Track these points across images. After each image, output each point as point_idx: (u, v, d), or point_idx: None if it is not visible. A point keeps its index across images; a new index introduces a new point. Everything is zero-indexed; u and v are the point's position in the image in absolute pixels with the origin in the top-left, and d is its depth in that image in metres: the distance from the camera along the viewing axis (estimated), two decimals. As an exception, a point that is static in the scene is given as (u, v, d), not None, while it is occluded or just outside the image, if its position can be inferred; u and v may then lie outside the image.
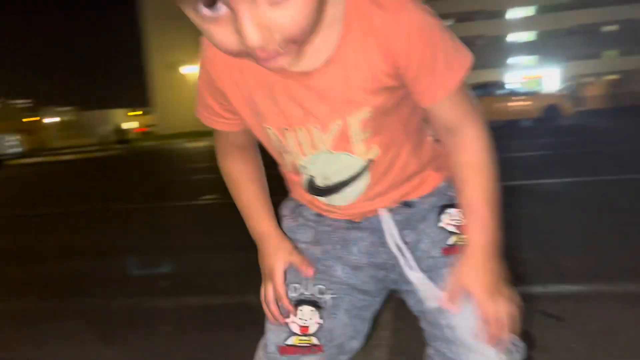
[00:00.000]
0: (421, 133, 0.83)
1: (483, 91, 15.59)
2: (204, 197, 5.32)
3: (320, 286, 0.83)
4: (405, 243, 0.83)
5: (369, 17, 0.67)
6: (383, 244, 0.84)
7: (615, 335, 1.62)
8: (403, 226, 0.84)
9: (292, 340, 0.82)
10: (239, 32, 0.57)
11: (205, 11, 0.57)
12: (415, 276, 0.81)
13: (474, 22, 61.42)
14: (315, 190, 0.84)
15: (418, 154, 0.83)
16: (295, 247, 0.87)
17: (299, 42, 0.61)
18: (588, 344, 1.57)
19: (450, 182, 0.84)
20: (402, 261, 0.82)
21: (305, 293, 0.83)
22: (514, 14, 62.04)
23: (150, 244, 3.44)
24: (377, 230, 0.84)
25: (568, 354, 1.53)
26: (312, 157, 0.79)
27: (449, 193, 0.86)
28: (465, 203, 0.79)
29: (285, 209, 0.93)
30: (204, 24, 0.59)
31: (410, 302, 0.86)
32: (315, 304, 0.82)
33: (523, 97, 15.33)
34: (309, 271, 0.84)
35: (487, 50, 61.18)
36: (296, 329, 0.82)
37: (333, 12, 0.67)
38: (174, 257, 2.96)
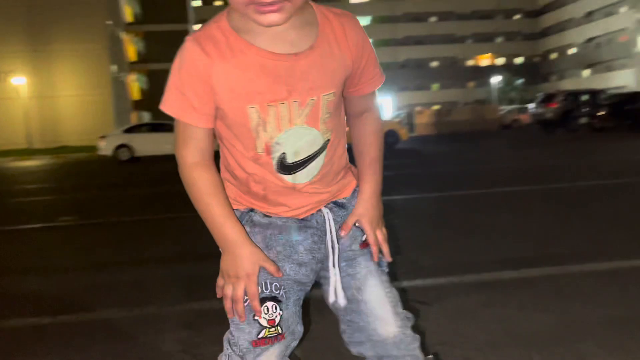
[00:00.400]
0: (344, 135, 1.07)
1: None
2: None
3: (276, 284, 0.96)
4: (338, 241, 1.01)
5: (334, 22, 0.94)
6: (323, 241, 1.00)
7: (470, 313, 2.09)
8: (337, 225, 1.02)
9: (263, 333, 0.95)
10: None
11: None
12: (333, 272, 1.01)
13: (320, 50, 65.38)
14: (285, 167, 0.96)
15: (345, 151, 1.05)
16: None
17: (291, 2, 0.83)
18: (449, 321, 2.02)
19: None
20: (330, 258, 1.00)
21: (266, 291, 0.95)
22: (356, 45, 67.46)
23: None
24: (319, 229, 1.00)
25: (437, 329, 1.95)
26: (287, 132, 0.93)
27: (353, 205, 1.07)
28: (369, 160, 1.04)
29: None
30: None
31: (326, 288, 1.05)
32: (275, 299, 0.96)
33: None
34: (280, 274, 0.95)
35: (332, 77, 65.54)
36: (265, 323, 0.95)
37: (307, 15, 0.91)
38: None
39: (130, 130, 18.47)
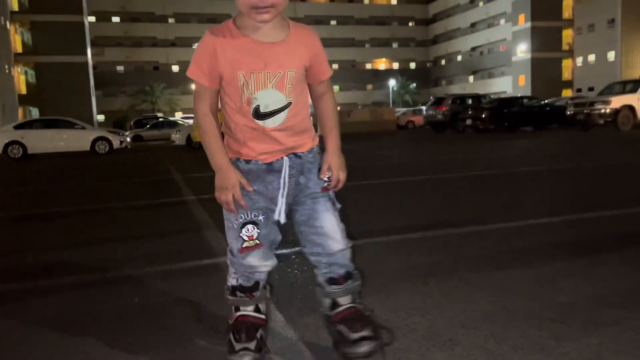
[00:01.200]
0: (307, 109, 1.55)
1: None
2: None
3: (255, 212, 1.43)
4: (297, 184, 1.46)
5: (300, 30, 1.43)
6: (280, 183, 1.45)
7: (382, 270, 2.63)
8: (298, 172, 1.46)
9: (245, 245, 1.42)
10: None
11: None
12: (280, 201, 1.44)
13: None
14: (259, 115, 1.40)
15: (306, 118, 1.49)
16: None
17: (276, 8, 1.30)
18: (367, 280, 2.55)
19: (317, 151, 1.52)
20: (280, 191, 1.44)
21: (247, 218, 1.42)
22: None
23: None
24: (280, 172, 1.44)
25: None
26: (262, 92, 1.38)
27: (319, 159, 1.52)
28: (330, 125, 1.52)
29: None
30: None
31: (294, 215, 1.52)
32: (253, 222, 1.43)
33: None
34: (249, 188, 1.40)
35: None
36: (246, 238, 1.42)
37: (282, 22, 1.39)
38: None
39: (21, 126, 17.32)
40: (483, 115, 18.90)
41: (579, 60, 53.32)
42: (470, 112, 19.88)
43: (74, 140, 17.27)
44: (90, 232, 3.84)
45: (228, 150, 1.44)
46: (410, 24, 72.53)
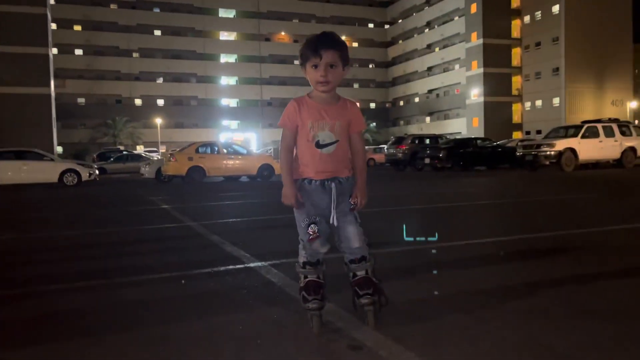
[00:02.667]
0: (347, 148, 2.27)
1: (209, 148, 17.63)
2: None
3: (314, 216, 2.13)
4: (338, 203, 2.14)
5: (347, 102, 2.20)
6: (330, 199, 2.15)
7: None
8: (339, 194, 2.14)
9: (311, 237, 2.12)
10: (319, 73, 2.07)
11: (315, 67, 2.08)
12: (332, 214, 2.13)
13: (188, 84, 65.39)
14: (319, 145, 2.11)
15: (347, 152, 2.19)
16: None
17: (331, 83, 2.09)
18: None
19: (353, 179, 2.19)
20: (332, 206, 2.13)
21: (310, 220, 2.13)
22: (225, 81, 68.82)
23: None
24: (329, 194, 2.13)
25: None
26: (321, 132, 2.11)
27: (352, 187, 2.18)
28: (360, 165, 2.20)
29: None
30: (312, 71, 2.08)
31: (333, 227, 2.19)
32: (314, 222, 2.13)
33: (243, 156, 17.89)
34: (297, 206, 2.12)
35: (200, 111, 65.79)
36: (311, 232, 2.12)
37: (335, 94, 2.20)
38: None
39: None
40: (440, 155, 20.14)
41: (528, 105, 56.77)
42: (428, 151, 21.12)
43: (41, 171, 17.35)
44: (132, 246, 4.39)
45: (295, 173, 2.16)
46: (370, 66, 75.43)
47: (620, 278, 2.88)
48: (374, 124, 66.82)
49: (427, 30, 68.13)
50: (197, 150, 17.35)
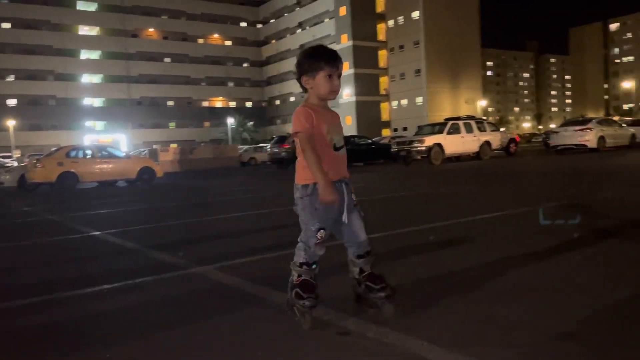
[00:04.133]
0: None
1: (82, 152, 16.41)
2: None
3: (323, 222, 2.15)
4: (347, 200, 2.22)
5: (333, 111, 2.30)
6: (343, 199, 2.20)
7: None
8: (348, 192, 2.22)
9: (318, 242, 2.15)
10: (335, 83, 2.20)
11: (330, 77, 2.18)
12: (345, 211, 2.19)
13: (45, 82, 59.50)
14: (335, 148, 2.19)
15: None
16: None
17: (338, 92, 2.24)
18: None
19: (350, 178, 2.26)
20: (345, 205, 2.19)
21: (320, 225, 2.15)
22: (87, 79, 63.73)
23: None
24: (342, 193, 2.18)
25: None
26: (335, 135, 2.19)
27: (350, 183, 2.25)
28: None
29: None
30: (326, 81, 2.18)
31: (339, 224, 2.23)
32: (323, 228, 2.16)
33: (121, 159, 16.91)
34: (337, 202, 2.12)
35: (60, 111, 60.21)
36: (319, 237, 2.15)
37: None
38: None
39: None
40: (322, 153, 20.86)
41: (394, 104, 60.81)
42: (310, 149, 21.73)
43: None
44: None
45: (306, 178, 2.18)
46: (245, 64, 75.12)
47: (533, 256, 3.38)
48: (251, 122, 66.73)
49: (299, 30, 69.64)
50: (67, 155, 16.04)
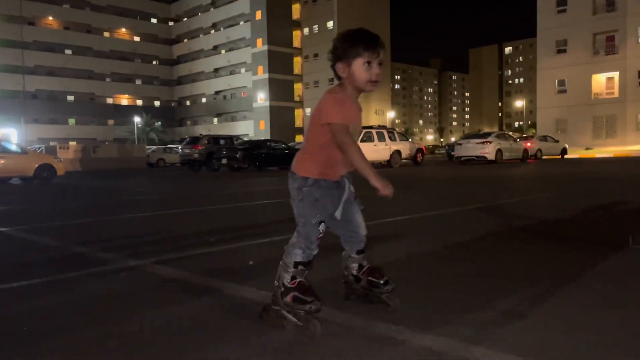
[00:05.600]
0: None
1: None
2: None
3: (324, 217, 2.01)
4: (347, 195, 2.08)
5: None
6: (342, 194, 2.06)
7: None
8: (348, 188, 2.08)
9: (320, 235, 1.99)
10: (375, 71, 1.94)
11: (368, 64, 1.93)
12: (341, 205, 2.05)
13: None
14: None
15: None
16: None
17: (379, 83, 1.98)
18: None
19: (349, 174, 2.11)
20: (342, 199, 2.05)
21: (322, 218, 2.00)
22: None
23: None
24: (343, 188, 2.06)
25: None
26: (355, 133, 1.97)
27: (350, 179, 2.11)
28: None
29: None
30: (364, 68, 1.92)
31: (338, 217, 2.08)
32: (324, 222, 2.00)
33: (16, 155, 15.48)
34: (390, 193, 1.90)
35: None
36: (321, 230, 1.99)
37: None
38: None
39: None
40: (237, 155, 20.57)
41: (308, 111, 61.52)
42: (225, 152, 21.34)
43: None
44: None
45: (312, 172, 2.00)
46: (154, 62, 72.28)
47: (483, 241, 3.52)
48: (159, 122, 64.24)
49: (213, 31, 68.37)
50: (-48, 149, 14.42)
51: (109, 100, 67.79)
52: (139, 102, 69.51)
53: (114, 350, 1.90)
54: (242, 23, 63.80)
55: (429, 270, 2.97)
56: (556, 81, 41.95)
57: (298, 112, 62.90)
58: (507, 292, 2.45)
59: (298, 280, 1.99)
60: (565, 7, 41.52)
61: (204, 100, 70.47)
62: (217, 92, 68.81)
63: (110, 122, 65.94)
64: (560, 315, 2.11)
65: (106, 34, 67.34)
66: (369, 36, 1.95)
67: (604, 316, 2.09)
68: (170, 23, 73.93)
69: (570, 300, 2.31)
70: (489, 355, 1.72)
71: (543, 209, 5.84)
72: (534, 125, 59.36)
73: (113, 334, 2.05)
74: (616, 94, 39.59)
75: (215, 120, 68.79)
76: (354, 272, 2.21)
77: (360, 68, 1.92)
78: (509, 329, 1.96)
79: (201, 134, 26.05)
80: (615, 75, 39.62)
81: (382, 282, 2.15)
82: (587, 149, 36.02)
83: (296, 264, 2.00)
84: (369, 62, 1.91)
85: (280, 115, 59.85)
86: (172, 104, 73.96)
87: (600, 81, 40.63)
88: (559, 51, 41.51)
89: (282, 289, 1.99)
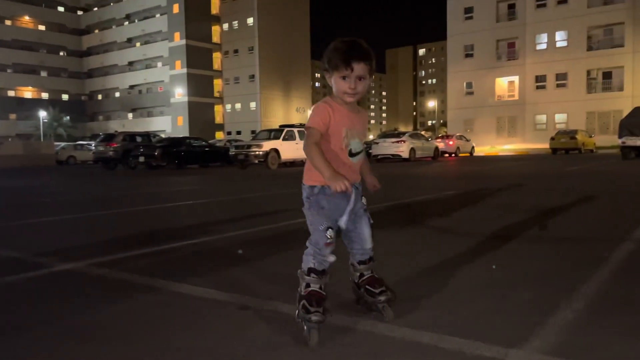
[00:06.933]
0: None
1: None
2: None
3: (332, 222, 2.03)
4: (353, 205, 2.09)
5: (362, 110, 2.13)
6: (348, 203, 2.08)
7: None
8: (356, 199, 2.09)
9: (328, 241, 2.00)
10: (349, 86, 1.97)
11: (344, 78, 1.97)
12: (346, 214, 2.07)
13: None
14: (351, 154, 2.04)
15: (365, 160, 2.17)
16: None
17: (358, 94, 2.00)
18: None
19: (361, 183, 2.13)
20: (347, 210, 2.07)
21: (328, 224, 2.03)
22: None
23: None
24: (349, 198, 2.06)
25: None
26: (353, 140, 2.03)
27: (360, 190, 2.13)
28: (365, 156, 2.15)
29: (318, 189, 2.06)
30: (341, 81, 1.98)
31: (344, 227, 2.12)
32: (331, 227, 2.01)
33: None
34: (350, 187, 1.90)
35: None
36: (328, 237, 2.00)
37: (356, 103, 2.08)
38: None
39: None
40: (156, 153, 20.09)
41: (228, 107, 60.83)
42: (142, 149, 20.76)
43: None
44: None
45: (317, 180, 2.05)
46: (61, 53, 68.02)
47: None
48: (68, 117, 60.63)
49: (127, 23, 65.55)
50: None
51: (11, 93, 62.94)
52: (45, 96, 65.14)
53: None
54: (158, 16, 61.79)
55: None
56: (464, 83, 44.76)
57: (218, 109, 62.02)
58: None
59: (310, 289, 2.04)
60: (472, 14, 44.38)
61: (117, 94, 67.42)
62: (132, 86, 66.10)
63: (13, 116, 61.29)
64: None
65: (8, 22, 62.38)
66: (348, 51, 1.98)
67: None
68: (80, 12, 69.88)
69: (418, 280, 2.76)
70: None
71: (447, 206, 6.47)
72: (445, 124, 62.85)
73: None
74: (517, 97, 43.00)
75: (130, 115, 66.08)
76: (356, 280, 2.25)
77: (337, 80, 2.00)
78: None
79: (116, 131, 25.16)
80: (516, 79, 43.01)
81: (377, 292, 2.16)
82: (491, 147, 38.92)
83: (309, 271, 2.05)
84: (344, 77, 1.97)
85: (200, 112, 58.72)
86: (83, 97, 70.03)
87: (503, 85, 43.91)
88: (467, 55, 44.32)
89: (298, 295, 2.07)
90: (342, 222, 2.09)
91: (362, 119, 2.11)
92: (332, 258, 2.04)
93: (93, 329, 2.21)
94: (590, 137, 31.03)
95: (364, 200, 2.16)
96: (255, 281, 2.89)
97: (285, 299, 2.44)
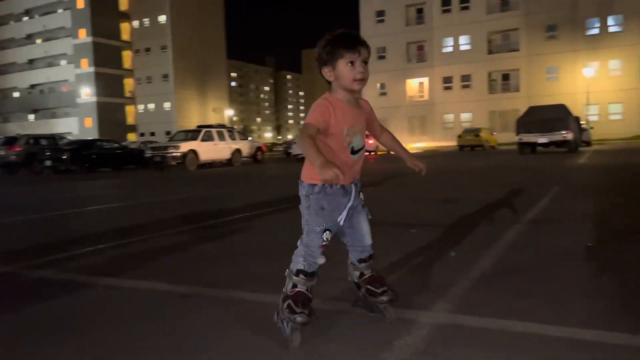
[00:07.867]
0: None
1: None
2: None
3: (330, 224, 1.97)
4: (353, 202, 2.03)
5: (364, 102, 2.09)
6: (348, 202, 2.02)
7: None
8: (356, 196, 2.04)
9: (323, 243, 1.97)
10: (358, 70, 1.93)
11: (352, 64, 1.92)
12: (345, 211, 2.00)
13: None
14: (353, 152, 1.99)
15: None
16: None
17: (364, 81, 1.95)
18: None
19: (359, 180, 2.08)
20: (347, 206, 2.01)
21: (326, 226, 1.98)
22: None
23: None
24: (350, 195, 2.01)
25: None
26: (354, 137, 1.97)
27: (358, 186, 2.08)
28: (399, 143, 2.20)
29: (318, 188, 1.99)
30: (348, 68, 1.93)
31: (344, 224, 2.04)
32: (329, 230, 1.96)
33: None
34: (341, 177, 1.75)
35: None
36: (325, 239, 1.96)
37: (357, 97, 2.03)
38: None
39: None
40: (64, 157, 19.06)
41: (141, 107, 58.56)
42: (49, 153, 19.60)
43: None
44: None
45: (318, 178, 1.90)
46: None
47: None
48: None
49: (26, 18, 61.01)
50: None
51: None
52: None
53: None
54: (60, 11, 58.10)
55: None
56: (378, 84, 46.42)
57: (130, 109, 59.47)
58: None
59: (297, 289, 1.99)
60: (384, 17, 46.16)
61: (16, 94, 62.52)
62: (32, 86, 61.60)
63: None
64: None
65: None
66: (348, 37, 1.98)
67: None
68: (-29, 5, 64.05)
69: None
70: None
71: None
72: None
73: None
74: (426, 97, 45.33)
75: (32, 117, 61.57)
76: (355, 279, 2.17)
77: (344, 68, 1.95)
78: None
79: (18, 134, 23.46)
80: (425, 80, 45.32)
81: (379, 291, 2.10)
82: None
83: (297, 272, 2.00)
84: (352, 62, 1.94)
85: (110, 112, 55.99)
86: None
87: (413, 86, 46.11)
88: (380, 57, 45.95)
89: (283, 295, 2.02)
90: (341, 219, 2.02)
91: (362, 112, 2.08)
92: (321, 260, 2.00)
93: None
94: (492, 134, 33.39)
95: (361, 195, 2.11)
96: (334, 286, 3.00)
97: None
